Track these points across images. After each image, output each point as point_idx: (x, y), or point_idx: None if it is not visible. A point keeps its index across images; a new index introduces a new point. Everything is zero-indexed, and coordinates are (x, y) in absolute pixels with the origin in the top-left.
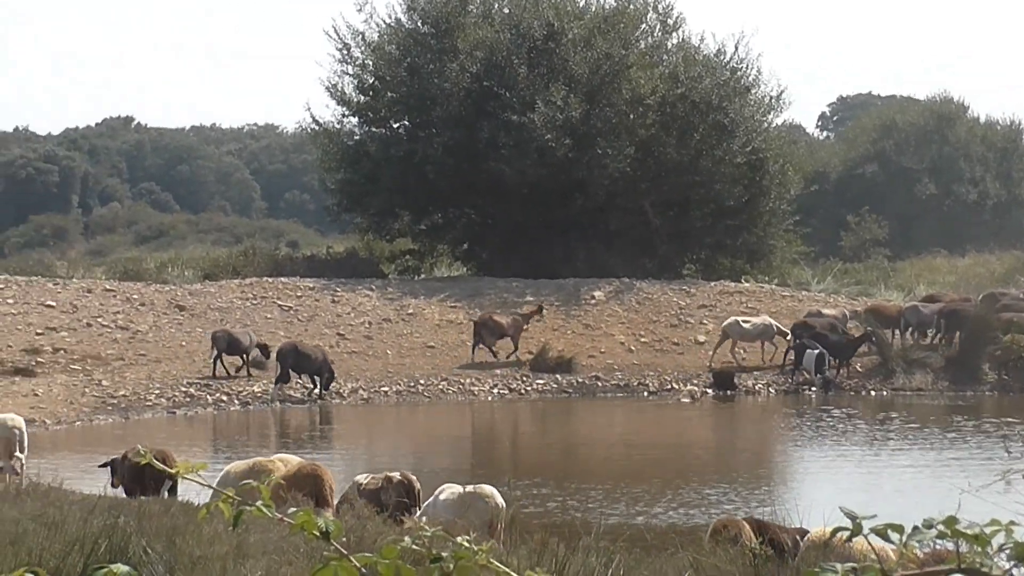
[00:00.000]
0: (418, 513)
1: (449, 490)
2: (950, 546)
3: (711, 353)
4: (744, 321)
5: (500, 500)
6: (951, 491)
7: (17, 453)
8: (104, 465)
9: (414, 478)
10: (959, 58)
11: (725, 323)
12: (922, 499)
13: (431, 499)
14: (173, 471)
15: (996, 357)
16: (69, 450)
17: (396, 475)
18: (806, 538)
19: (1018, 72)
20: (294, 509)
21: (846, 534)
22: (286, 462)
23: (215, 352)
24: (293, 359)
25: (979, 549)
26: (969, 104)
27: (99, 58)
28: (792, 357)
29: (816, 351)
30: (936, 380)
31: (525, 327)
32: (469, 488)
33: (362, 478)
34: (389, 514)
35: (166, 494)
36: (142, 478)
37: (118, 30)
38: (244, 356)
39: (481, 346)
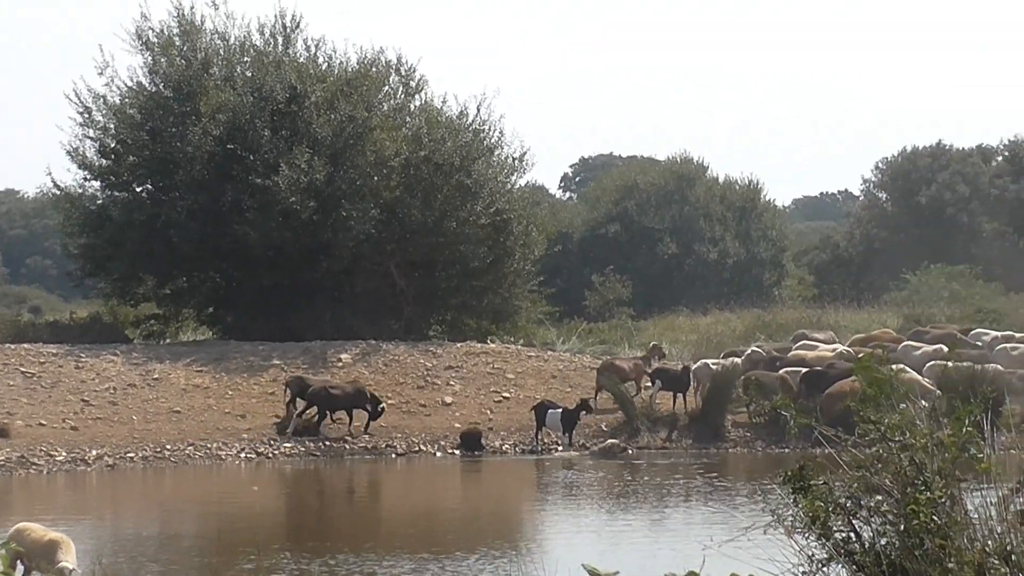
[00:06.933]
0: None
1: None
2: None
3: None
4: (714, 363)
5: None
6: (695, 547)
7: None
8: None
9: None
10: (698, 118)
11: (695, 365)
12: (666, 555)
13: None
14: None
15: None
16: None
17: None
18: None
19: (754, 132)
20: None
21: None
22: (33, 531)
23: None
24: (325, 399)
25: None
26: (708, 164)
27: None
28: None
29: (559, 410)
30: (681, 438)
31: (647, 369)
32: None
33: None
34: None
35: None
36: None
37: None
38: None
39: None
